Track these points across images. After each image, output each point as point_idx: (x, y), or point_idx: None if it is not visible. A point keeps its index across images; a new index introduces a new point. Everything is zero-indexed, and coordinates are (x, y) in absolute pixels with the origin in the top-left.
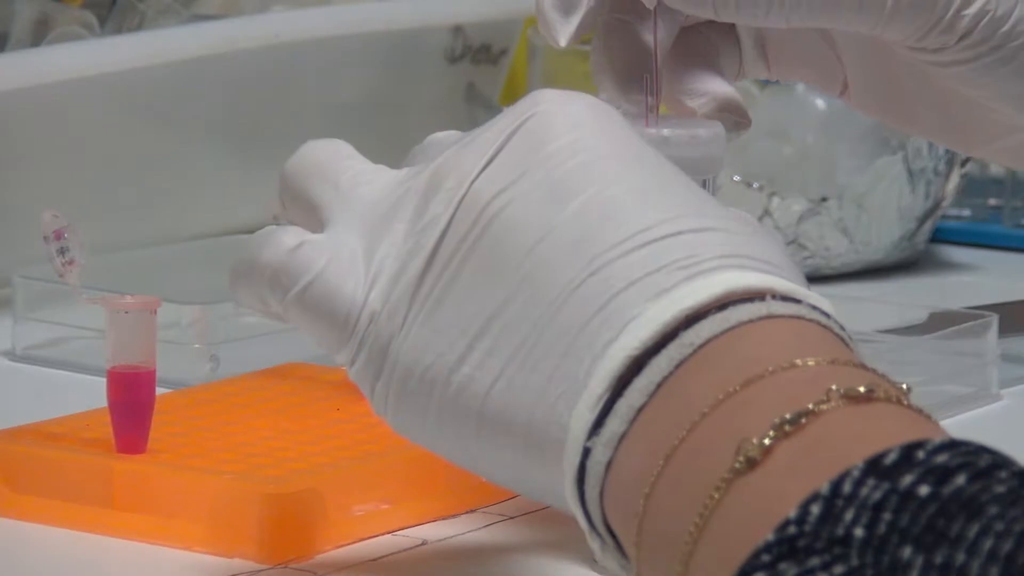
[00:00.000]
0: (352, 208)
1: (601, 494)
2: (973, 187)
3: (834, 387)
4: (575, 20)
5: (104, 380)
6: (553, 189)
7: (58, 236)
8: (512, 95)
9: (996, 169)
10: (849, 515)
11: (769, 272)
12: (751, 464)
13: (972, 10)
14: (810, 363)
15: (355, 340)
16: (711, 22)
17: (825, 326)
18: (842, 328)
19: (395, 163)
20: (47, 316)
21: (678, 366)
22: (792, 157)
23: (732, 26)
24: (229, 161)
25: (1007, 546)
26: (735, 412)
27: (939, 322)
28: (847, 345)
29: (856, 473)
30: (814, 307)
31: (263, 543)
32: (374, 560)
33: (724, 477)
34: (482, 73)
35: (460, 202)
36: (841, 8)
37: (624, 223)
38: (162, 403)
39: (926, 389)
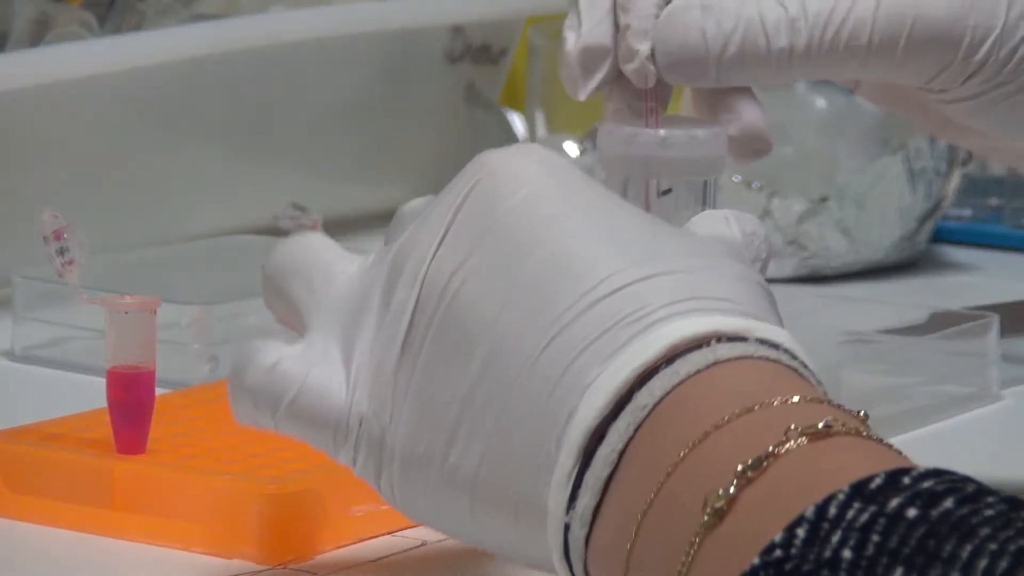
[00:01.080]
0: (327, 309)
1: (586, 566)
2: (974, 187)
3: (792, 426)
4: (596, 79)
5: (104, 380)
6: (505, 258)
7: (58, 236)
8: (512, 95)
9: (996, 169)
10: (836, 537)
11: (718, 311)
12: (719, 516)
13: (979, 56)
14: (765, 404)
15: (350, 443)
16: None
17: (775, 360)
18: (793, 356)
19: (395, 163)
20: (47, 316)
21: (637, 429)
22: (792, 157)
23: None
24: (229, 161)
25: (1003, 564)
26: (697, 467)
27: (939, 322)
28: (800, 374)
29: (841, 497)
30: (762, 341)
31: (263, 543)
32: (374, 560)
33: (696, 532)
34: (482, 73)
35: (422, 284)
36: (847, 64)
37: (576, 282)
38: (162, 403)
39: (926, 389)
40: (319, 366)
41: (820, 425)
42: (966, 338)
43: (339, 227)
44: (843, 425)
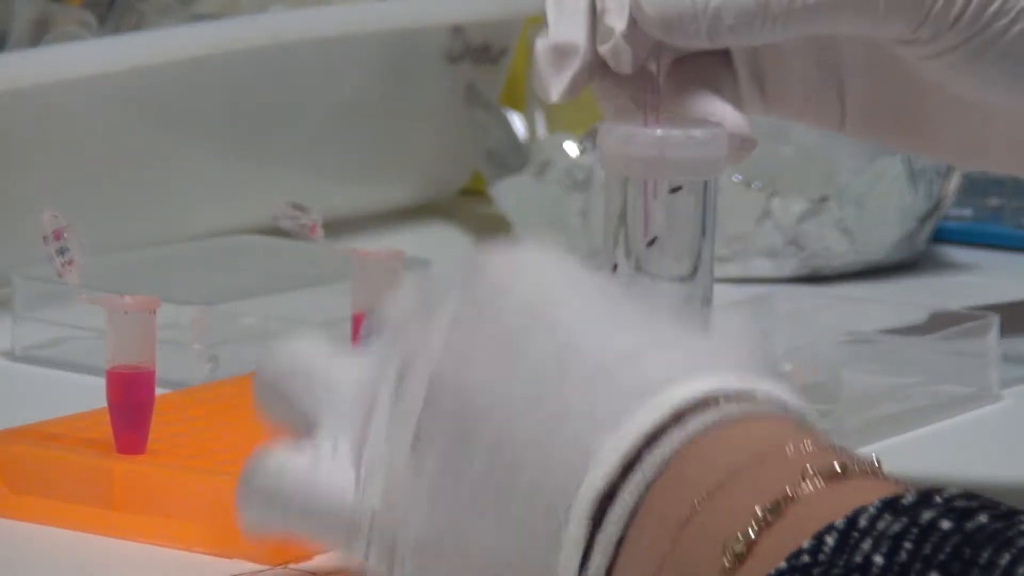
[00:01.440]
0: (332, 409)
1: None
2: (974, 187)
3: (808, 468)
4: (567, 75)
5: (104, 380)
6: (507, 347)
7: (58, 236)
8: (512, 95)
9: None
10: (867, 544)
11: (721, 371)
12: (740, 559)
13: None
14: (778, 452)
15: (362, 540)
16: (706, 52)
17: (783, 416)
18: (802, 413)
19: (395, 163)
20: (47, 316)
21: (647, 488)
22: (792, 157)
23: (728, 56)
24: (229, 161)
25: None
26: (713, 516)
27: (939, 322)
28: (807, 425)
29: (872, 510)
30: (767, 395)
31: (263, 543)
32: None
33: None
34: (482, 73)
35: (430, 383)
36: (838, 12)
37: (578, 361)
38: (162, 403)
39: (926, 389)
40: (328, 465)
41: (836, 467)
42: (966, 338)
43: (339, 227)
44: (859, 467)
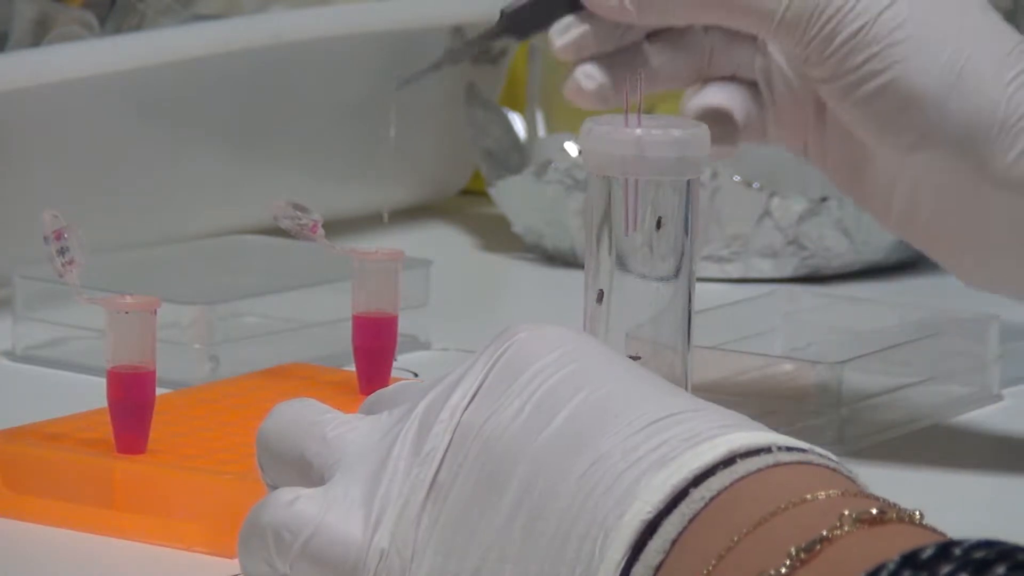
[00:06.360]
0: (344, 455)
1: None
2: None
3: (846, 512)
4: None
5: (104, 380)
6: (542, 402)
7: (58, 236)
8: (512, 95)
9: None
10: None
11: (770, 433)
12: None
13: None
14: (820, 496)
15: None
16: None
17: (833, 468)
18: (850, 471)
19: (395, 163)
20: (47, 316)
21: (691, 521)
22: (792, 157)
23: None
24: (229, 161)
25: None
26: (750, 551)
27: (939, 322)
28: (856, 483)
29: (892, 566)
30: (820, 455)
31: None
32: None
33: None
34: (482, 73)
35: (454, 431)
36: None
37: (618, 415)
38: (162, 403)
39: (926, 389)
40: (338, 506)
41: (874, 511)
42: (966, 338)
43: (339, 227)
44: (897, 514)
